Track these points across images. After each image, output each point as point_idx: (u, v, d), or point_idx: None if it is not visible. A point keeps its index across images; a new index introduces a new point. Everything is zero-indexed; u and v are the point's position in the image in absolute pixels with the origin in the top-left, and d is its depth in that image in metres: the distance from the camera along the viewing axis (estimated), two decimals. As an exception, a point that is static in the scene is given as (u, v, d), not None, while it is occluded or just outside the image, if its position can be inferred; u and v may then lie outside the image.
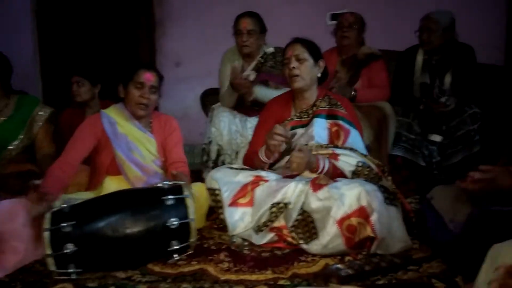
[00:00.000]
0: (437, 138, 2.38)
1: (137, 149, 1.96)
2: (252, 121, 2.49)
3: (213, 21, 3.47)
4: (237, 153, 2.50)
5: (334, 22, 3.00)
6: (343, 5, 3.31)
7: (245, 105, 2.51)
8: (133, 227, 1.49)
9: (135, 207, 1.54)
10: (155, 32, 3.68)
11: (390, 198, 1.60)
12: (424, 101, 2.42)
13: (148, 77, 1.93)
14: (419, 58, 2.54)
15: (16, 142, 2.15)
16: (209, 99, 2.91)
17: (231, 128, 2.52)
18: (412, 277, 1.38)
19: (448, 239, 1.37)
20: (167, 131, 2.04)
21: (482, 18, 2.99)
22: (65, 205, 1.53)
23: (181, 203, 1.57)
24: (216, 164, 2.49)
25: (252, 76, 2.50)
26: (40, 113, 2.20)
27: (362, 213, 1.54)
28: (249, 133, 2.45)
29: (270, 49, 2.51)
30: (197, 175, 2.34)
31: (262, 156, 1.88)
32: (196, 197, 1.76)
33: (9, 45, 3.52)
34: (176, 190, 1.61)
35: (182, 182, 1.66)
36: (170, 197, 1.56)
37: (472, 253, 1.13)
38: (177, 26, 3.64)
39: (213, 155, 2.51)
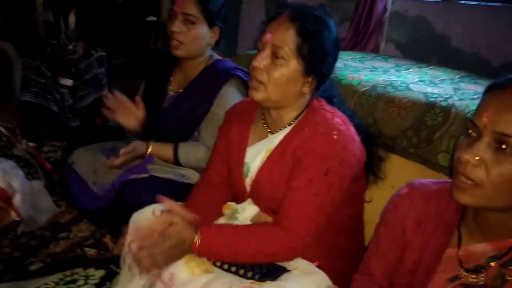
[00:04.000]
0: (68, 82, 2.36)
1: None
2: None
3: None
4: None
5: None
6: None
7: None
8: None
9: None
10: None
11: (30, 172, 1.52)
12: (52, 46, 2.27)
13: None
14: (40, -10, 2.29)
15: None
16: None
17: None
18: (65, 247, 1.45)
19: (93, 204, 1.50)
20: None
21: None
22: None
23: None
24: None
25: None
26: None
27: (2, 195, 1.40)
28: None
29: None
30: None
31: None
32: None
33: None
34: None
35: None
36: None
37: (118, 217, 1.31)
38: None
39: None
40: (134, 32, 2.87)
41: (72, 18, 2.40)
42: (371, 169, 1.15)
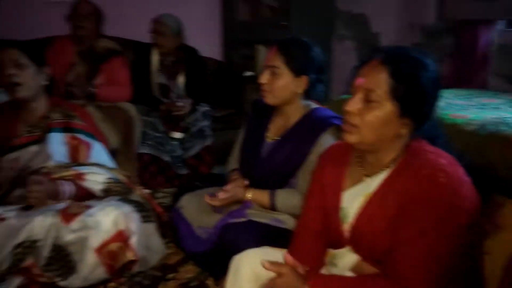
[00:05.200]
0: (178, 135, 2.62)
1: None
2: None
3: None
4: None
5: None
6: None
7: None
8: None
9: None
10: None
11: (145, 215, 1.70)
12: (164, 103, 2.59)
13: None
14: (155, 58, 2.67)
15: None
16: None
17: None
18: (172, 287, 1.56)
19: (198, 246, 1.60)
20: None
21: (200, 15, 3.34)
22: None
23: None
24: None
25: None
26: None
27: (121, 237, 1.57)
28: None
29: None
30: None
31: None
32: None
33: None
34: None
35: None
36: None
37: (220, 260, 1.38)
38: None
39: None
40: (233, 87, 3.12)
41: (181, 80, 2.71)
42: (488, 217, 1.04)
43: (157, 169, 2.55)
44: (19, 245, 1.50)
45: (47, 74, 1.77)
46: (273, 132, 1.63)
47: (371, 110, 0.97)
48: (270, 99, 1.54)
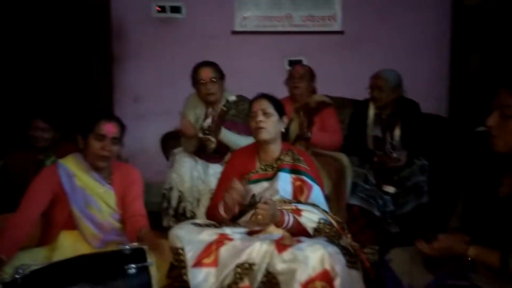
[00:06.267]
0: (390, 189, 2.52)
1: (95, 204, 1.89)
2: (215, 168, 2.49)
3: (171, 61, 3.49)
4: (198, 200, 2.47)
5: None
6: (299, 52, 3.47)
7: (206, 152, 2.51)
8: (92, 301, 1.42)
9: (95, 277, 1.46)
10: (112, 67, 3.60)
11: (351, 261, 1.66)
12: (378, 155, 2.56)
13: (109, 128, 1.87)
14: (371, 112, 2.72)
15: None
16: (169, 143, 2.87)
17: (193, 174, 2.50)
18: None
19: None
20: (128, 182, 1.98)
21: (427, 70, 3.26)
22: (18, 276, 1.42)
23: (144, 272, 1.51)
24: (176, 212, 2.44)
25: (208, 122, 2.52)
26: None
27: (326, 276, 1.57)
28: (211, 180, 2.45)
29: (233, 98, 2.55)
30: (155, 217, 2.27)
31: (221, 211, 1.88)
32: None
33: None
34: (139, 255, 1.55)
35: (145, 247, 1.61)
36: (132, 265, 1.49)
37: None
38: (134, 62, 3.60)
39: (173, 202, 2.47)
40: (461, 143, 2.81)
41: (397, 132, 2.65)
42: None
43: (366, 223, 2.49)
44: (240, 265, 1.70)
45: (285, 123, 2.07)
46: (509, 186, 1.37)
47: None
48: (500, 147, 1.33)
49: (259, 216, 1.74)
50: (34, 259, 1.67)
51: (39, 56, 3.57)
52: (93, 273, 1.49)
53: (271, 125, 1.98)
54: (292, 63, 3.42)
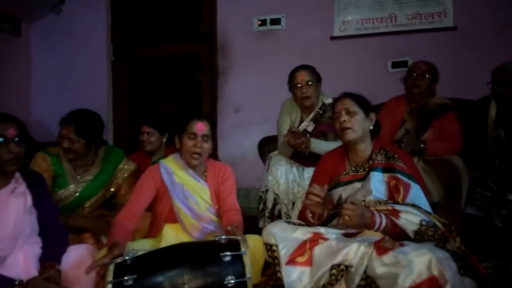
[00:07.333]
0: (518, 197, 2.17)
1: (192, 197, 2.00)
2: (310, 171, 2.45)
3: (270, 72, 3.58)
4: (293, 203, 2.45)
5: (396, 69, 2.94)
6: (404, 52, 3.26)
7: (301, 156, 2.49)
8: (190, 283, 1.48)
9: (194, 262, 1.54)
10: (217, 81, 3.84)
11: (464, 268, 1.45)
12: (500, 160, 2.24)
13: (199, 127, 1.98)
14: (492, 111, 2.41)
15: (93, 199, 2.25)
16: (266, 146, 2.92)
17: (288, 177, 2.49)
18: None
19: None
20: (221, 179, 2.06)
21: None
22: (127, 257, 1.56)
23: (238, 260, 1.54)
24: (272, 213, 2.45)
25: (310, 127, 2.49)
26: (124, 168, 2.32)
27: (433, 283, 1.40)
28: (306, 183, 2.41)
29: (329, 100, 2.49)
30: (252, 222, 2.31)
31: (308, 217, 1.82)
32: (252, 251, 1.73)
33: (86, 92, 3.90)
34: (233, 245, 1.59)
35: (239, 238, 1.64)
36: (227, 253, 1.54)
37: None
38: (238, 76, 3.78)
39: (269, 204, 2.49)
40: None
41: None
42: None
43: (485, 234, 2.16)
44: (335, 266, 1.61)
45: (372, 120, 1.94)
46: None
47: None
48: None
49: (346, 217, 1.64)
50: (142, 248, 1.83)
51: (151, 68, 4.03)
52: (192, 258, 1.57)
53: (356, 124, 1.87)
54: (396, 64, 3.23)
